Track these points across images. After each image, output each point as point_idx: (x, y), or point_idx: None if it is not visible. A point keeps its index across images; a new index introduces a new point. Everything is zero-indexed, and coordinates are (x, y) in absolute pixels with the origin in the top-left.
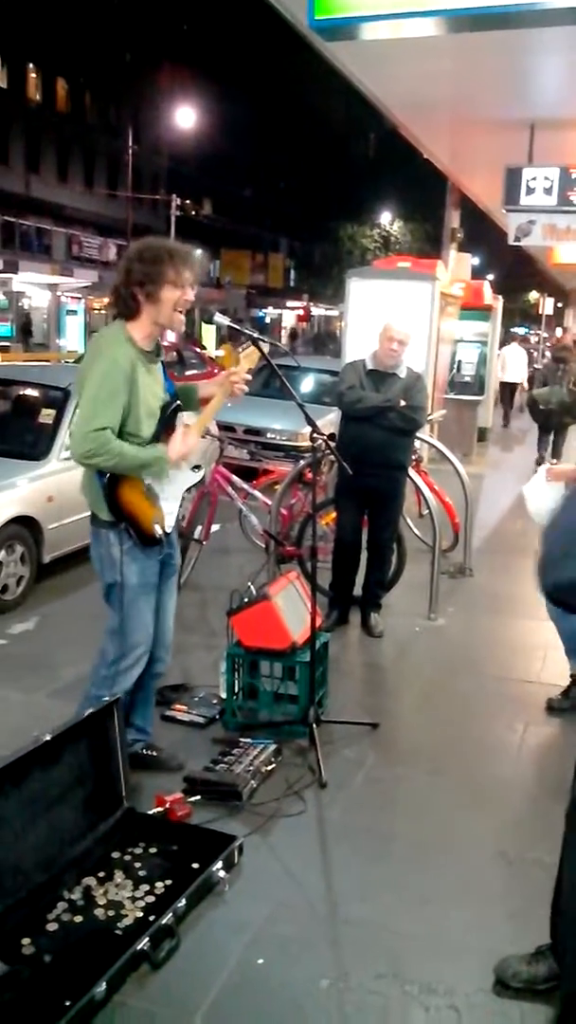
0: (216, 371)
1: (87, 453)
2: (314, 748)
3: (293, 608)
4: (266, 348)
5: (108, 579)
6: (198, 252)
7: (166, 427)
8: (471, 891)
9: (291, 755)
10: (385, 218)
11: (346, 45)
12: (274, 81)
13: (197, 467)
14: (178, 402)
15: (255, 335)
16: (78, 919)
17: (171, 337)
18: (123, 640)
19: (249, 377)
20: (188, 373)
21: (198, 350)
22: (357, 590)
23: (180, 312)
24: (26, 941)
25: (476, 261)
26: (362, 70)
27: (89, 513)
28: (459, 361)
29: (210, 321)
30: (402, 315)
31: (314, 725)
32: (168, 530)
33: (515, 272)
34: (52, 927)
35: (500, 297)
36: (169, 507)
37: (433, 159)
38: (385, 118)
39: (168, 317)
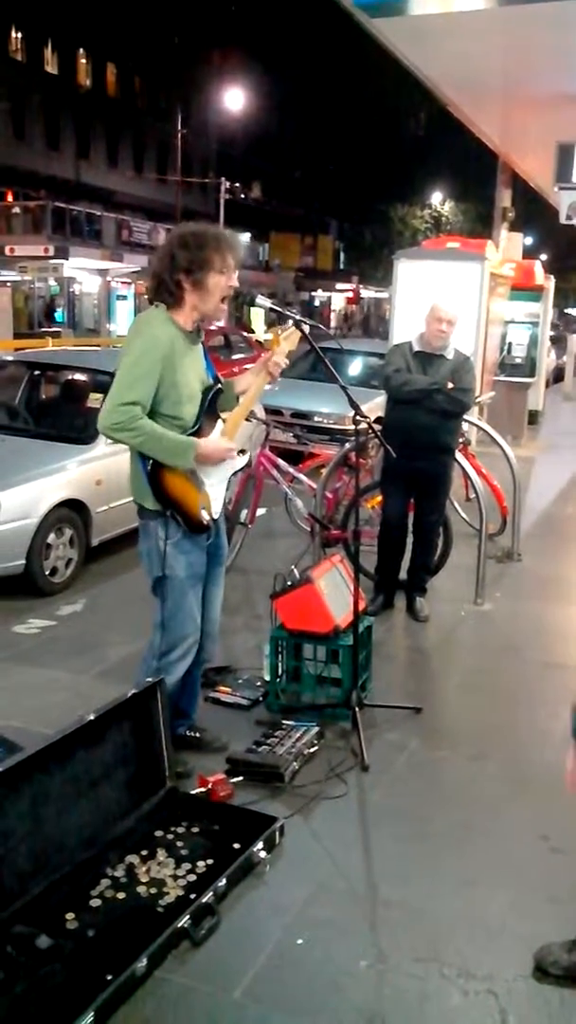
0: (263, 355)
1: (113, 425)
2: (356, 731)
3: (336, 592)
4: (306, 329)
5: (156, 573)
6: (242, 236)
7: (208, 414)
8: (512, 876)
9: (333, 738)
10: (436, 198)
11: (393, 22)
12: (323, 61)
13: (243, 451)
14: (219, 386)
15: (296, 316)
16: (121, 896)
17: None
18: (171, 633)
19: (286, 361)
20: (235, 357)
21: (245, 334)
22: (403, 574)
23: (223, 300)
24: (70, 916)
25: (528, 241)
26: (410, 48)
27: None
28: (509, 343)
29: (252, 303)
30: (450, 296)
31: (357, 708)
32: (215, 515)
33: (568, 252)
34: (95, 903)
35: (552, 277)
36: (215, 492)
37: (484, 137)
38: (435, 97)
39: (214, 305)
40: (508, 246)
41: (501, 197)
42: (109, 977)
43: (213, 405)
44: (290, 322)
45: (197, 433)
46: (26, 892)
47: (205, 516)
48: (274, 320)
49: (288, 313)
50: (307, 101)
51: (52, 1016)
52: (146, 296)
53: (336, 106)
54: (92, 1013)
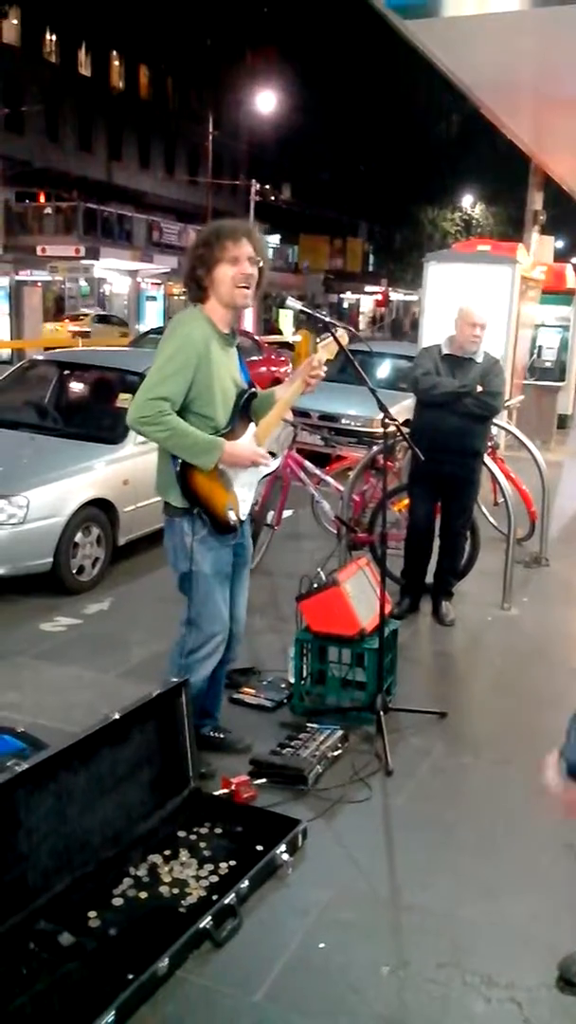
0: (272, 356)
1: (141, 419)
2: (381, 735)
3: (362, 595)
4: (343, 335)
5: (182, 569)
6: (271, 242)
7: (241, 416)
8: (536, 883)
9: (358, 742)
10: (467, 201)
11: (426, 24)
12: (354, 63)
13: (273, 454)
14: (253, 390)
15: (328, 319)
16: (143, 895)
17: (247, 308)
18: (199, 630)
19: (324, 371)
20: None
21: (256, 337)
22: (429, 578)
23: (243, 288)
24: (92, 914)
25: (560, 244)
26: (443, 50)
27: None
28: (539, 346)
29: (282, 305)
30: (481, 299)
31: (382, 712)
32: (243, 517)
33: None
34: (118, 902)
35: None
36: (244, 494)
37: (515, 140)
38: (467, 99)
39: (229, 294)
40: (539, 249)
41: (533, 200)
42: (130, 976)
43: (246, 408)
44: (328, 332)
45: (229, 435)
46: (49, 889)
47: (232, 516)
48: (303, 322)
49: (319, 316)
50: (338, 103)
51: (73, 1013)
52: (176, 297)
53: (367, 108)
54: (113, 1012)
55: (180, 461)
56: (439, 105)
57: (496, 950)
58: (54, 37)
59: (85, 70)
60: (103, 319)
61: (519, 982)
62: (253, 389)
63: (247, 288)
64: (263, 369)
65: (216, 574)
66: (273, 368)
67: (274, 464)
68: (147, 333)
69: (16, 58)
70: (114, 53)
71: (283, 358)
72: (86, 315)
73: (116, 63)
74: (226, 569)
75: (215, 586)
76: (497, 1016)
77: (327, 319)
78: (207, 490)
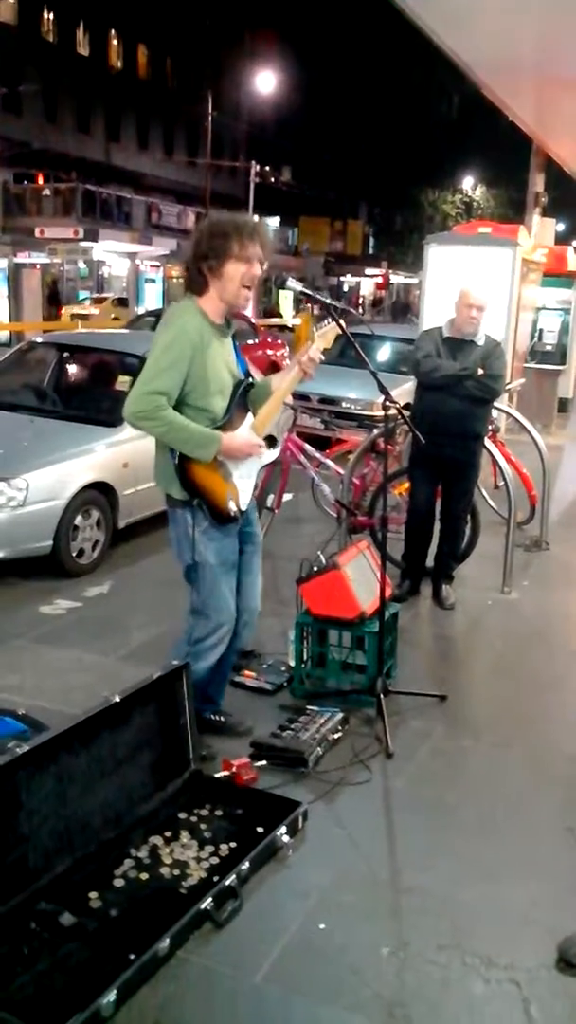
0: (268, 339)
1: (138, 413)
2: (381, 718)
3: (362, 578)
4: (342, 318)
5: (186, 560)
6: (271, 225)
7: (238, 407)
8: (536, 866)
9: (358, 724)
10: (468, 183)
11: (428, 2)
12: (355, 44)
13: (273, 441)
14: (250, 379)
15: (328, 301)
16: (144, 876)
17: (244, 309)
18: (206, 620)
19: (322, 358)
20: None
21: (252, 321)
22: (429, 561)
23: (247, 288)
24: (93, 895)
25: (561, 227)
26: (445, 29)
27: None
28: (540, 329)
29: (283, 286)
30: (481, 282)
31: (382, 695)
32: (243, 507)
33: None
34: (119, 883)
35: None
36: (244, 484)
37: (518, 121)
38: (468, 80)
39: (233, 293)
40: (540, 232)
41: (534, 182)
42: (132, 956)
43: (243, 399)
44: (327, 320)
45: (226, 426)
46: (50, 870)
47: (232, 507)
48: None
49: (319, 297)
50: (339, 85)
51: (75, 993)
52: (175, 279)
53: (368, 90)
54: (115, 991)
55: (179, 453)
56: (440, 86)
57: (496, 932)
58: (52, 16)
59: (83, 50)
60: (122, 302)
61: (519, 963)
62: (250, 379)
63: (250, 289)
64: (259, 352)
65: (221, 564)
66: (270, 351)
67: (274, 453)
68: (142, 316)
69: (13, 37)
70: (112, 32)
71: (280, 341)
72: (107, 298)
73: (115, 43)
74: (232, 558)
75: (221, 576)
76: (496, 997)
77: (327, 300)
78: (207, 481)
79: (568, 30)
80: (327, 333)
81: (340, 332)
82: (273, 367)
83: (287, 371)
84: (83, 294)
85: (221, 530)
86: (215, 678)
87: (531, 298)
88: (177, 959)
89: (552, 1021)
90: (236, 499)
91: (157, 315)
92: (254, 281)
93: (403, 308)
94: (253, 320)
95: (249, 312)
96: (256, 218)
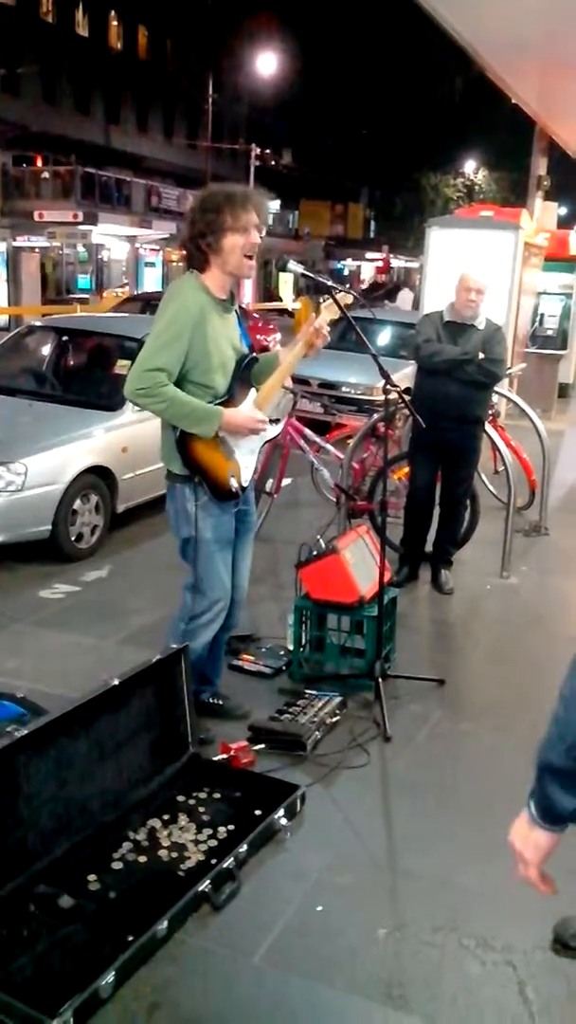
0: (259, 324)
1: (138, 390)
2: (379, 702)
3: (361, 562)
4: (347, 298)
5: (183, 534)
6: (264, 194)
7: (241, 383)
8: None
9: (356, 708)
10: (469, 167)
11: None
12: (357, 26)
13: (275, 420)
14: (254, 355)
15: (330, 283)
16: (142, 859)
17: (248, 278)
18: (201, 596)
19: (328, 330)
20: None
21: (242, 304)
22: (429, 546)
23: (249, 257)
24: (92, 877)
25: (563, 211)
26: (448, 9)
27: (161, 465)
28: (542, 314)
29: (284, 269)
30: (483, 266)
31: (380, 679)
32: (244, 484)
33: None
34: (117, 865)
35: None
36: (245, 461)
37: (521, 103)
38: (472, 61)
39: (236, 264)
40: (543, 216)
41: (537, 165)
42: (130, 938)
43: (246, 374)
44: (329, 295)
45: (228, 402)
46: (49, 853)
47: (234, 484)
48: (303, 288)
49: (321, 280)
50: (340, 67)
51: (74, 974)
52: (175, 263)
53: (369, 72)
54: (113, 972)
55: (179, 430)
56: (442, 69)
57: (492, 914)
58: None
59: (83, 31)
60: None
61: (514, 945)
62: (253, 354)
63: (252, 258)
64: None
65: (218, 540)
66: (260, 336)
67: (275, 430)
68: (128, 299)
69: (12, 18)
70: (112, 14)
71: (271, 325)
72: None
73: (114, 24)
74: (228, 536)
75: (216, 552)
76: (492, 978)
77: (328, 282)
78: (208, 458)
79: (573, 11)
80: (331, 306)
81: (345, 305)
82: (262, 351)
83: (292, 345)
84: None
85: (220, 506)
86: (211, 657)
87: (532, 282)
88: (175, 941)
89: (547, 1002)
90: (238, 476)
91: (145, 299)
92: (255, 249)
93: (393, 290)
94: (245, 303)
95: (248, 293)
96: (248, 186)
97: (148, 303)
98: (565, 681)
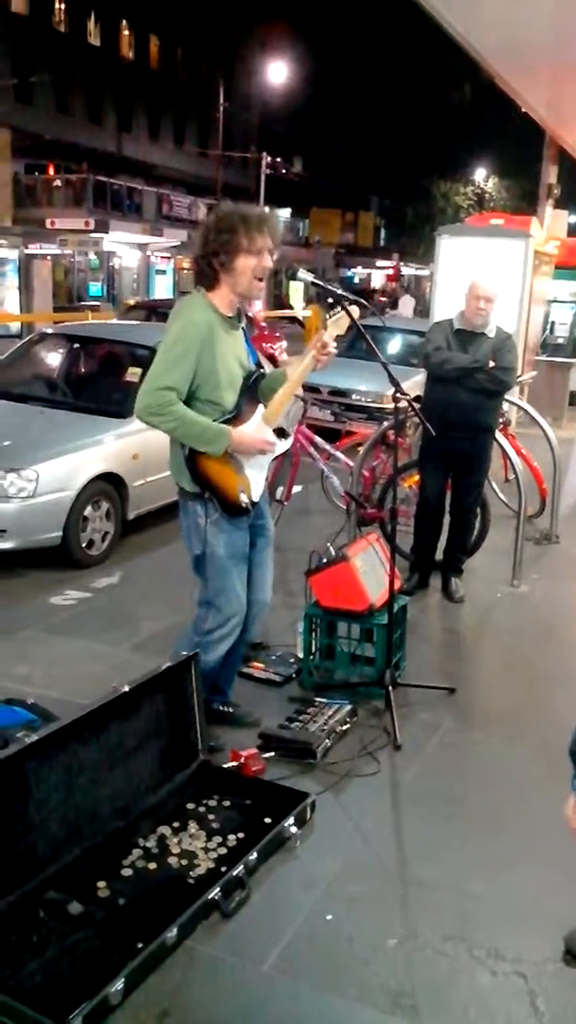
0: (265, 332)
1: (147, 409)
2: (389, 710)
3: (372, 570)
4: (355, 310)
5: (196, 551)
6: (279, 215)
7: (249, 399)
8: (544, 859)
9: (366, 716)
10: (480, 175)
11: None
12: (367, 35)
13: (285, 434)
14: (261, 370)
15: (340, 292)
16: (152, 866)
17: (257, 300)
18: (216, 612)
19: (335, 345)
20: None
21: (249, 314)
22: (439, 554)
23: (260, 280)
24: (101, 884)
25: (574, 219)
26: (457, 18)
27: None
28: (552, 322)
29: (294, 277)
30: (493, 274)
31: (390, 687)
32: (255, 499)
33: None
34: (127, 872)
35: None
36: (255, 476)
37: (530, 111)
38: (481, 70)
39: (247, 286)
40: (553, 224)
41: (547, 173)
42: (140, 945)
43: (254, 390)
44: (339, 308)
45: (237, 418)
46: (59, 859)
47: (244, 499)
48: (313, 297)
49: (330, 288)
50: (350, 76)
51: (83, 981)
52: (185, 271)
53: (379, 81)
54: (123, 979)
55: (189, 447)
56: (452, 77)
57: (503, 924)
58: (63, 6)
59: (95, 40)
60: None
61: (525, 955)
62: (261, 370)
63: (263, 280)
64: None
65: (231, 556)
66: (266, 344)
67: (286, 444)
68: (133, 307)
69: (24, 28)
70: (124, 23)
71: (278, 334)
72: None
73: (126, 33)
74: (242, 551)
75: (231, 568)
76: (503, 989)
77: (339, 291)
78: (217, 474)
79: None
80: (339, 320)
81: (352, 320)
82: (270, 360)
83: (300, 359)
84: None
85: (232, 522)
86: (224, 669)
87: (543, 291)
88: (185, 948)
89: (558, 1013)
90: (248, 491)
91: (149, 306)
92: (266, 272)
93: (393, 302)
94: (254, 312)
95: (259, 303)
96: (264, 207)
97: (153, 311)
98: None
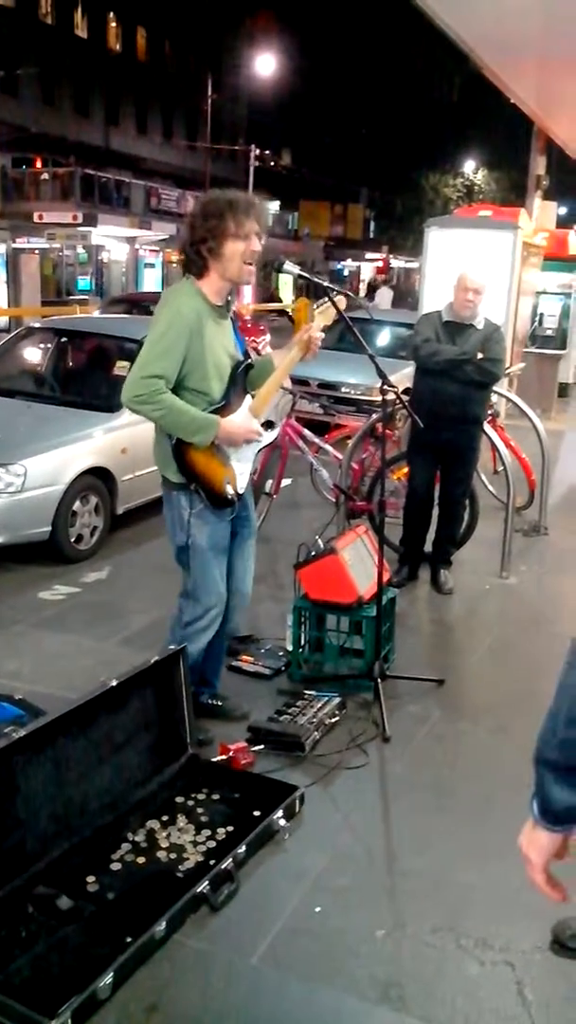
0: (248, 326)
1: (135, 398)
2: (378, 702)
3: (360, 562)
4: (343, 301)
5: (179, 542)
6: (265, 201)
7: (237, 389)
8: None
9: (355, 709)
10: (469, 167)
11: None
12: (355, 26)
13: (271, 425)
14: (249, 361)
15: (326, 284)
16: (141, 860)
17: (248, 284)
18: (196, 603)
19: (322, 335)
20: None
21: (234, 307)
22: (428, 546)
23: (250, 264)
24: (91, 879)
25: (563, 211)
26: (445, 8)
27: None
28: (541, 314)
29: (280, 270)
30: (481, 265)
31: (379, 679)
32: (241, 491)
33: None
34: (116, 867)
35: None
36: (241, 468)
37: (519, 102)
38: (469, 62)
39: (236, 271)
40: (541, 215)
41: (535, 165)
42: (128, 939)
43: (242, 380)
44: (325, 297)
45: (225, 408)
46: (48, 854)
47: (230, 491)
48: (302, 288)
49: (316, 280)
50: (339, 68)
51: (72, 975)
52: (174, 264)
53: (368, 73)
54: (112, 973)
55: (176, 437)
56: (441, 69)
57: (491, 914)
58: None
59: (82, 32)
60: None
61: (513, 945)
62: (249, 360)
63: (252, 264)
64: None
65: (212, 548)
66: (249, 338)
67: (272, 435)
68: (113, 300)
69: (11, 20)
70: (111, 15)
71: (262, 327)
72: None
73: (113, 25)
74: (223, 543)
75: (211, 560)
76: (491, 978)
77: (325, 283)
78: (204, 466)
79: (570, 9)
80: (327, 311)
81: (337, 311)
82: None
83: (287, 350)
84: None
85: (215, 514)
86: (209, 661)
87: (531, 282)
88: (174, 942)
89: (546, 1003)
90: (234, 483)
91: (131, 300)
92: (255, 256)
93: (369, 293)
94: (239, 305)
95: (249, 294)
96: (249, 193)
97: (135, 305)
98: (560, 676)
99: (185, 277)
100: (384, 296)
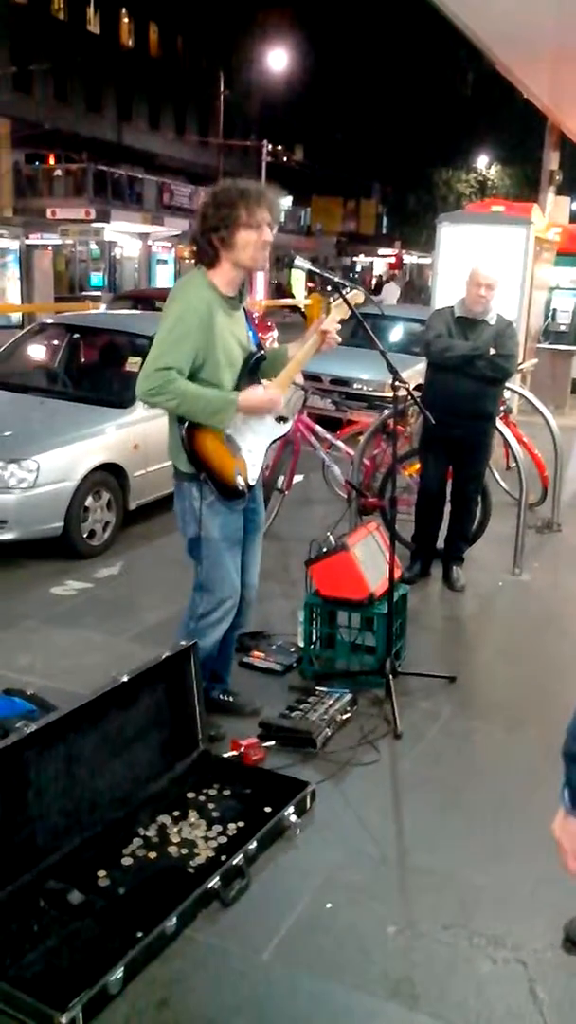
0: (256, 323)
1: (150, 391)
2: (390, 699)
3: (372, 559)
4: (359, 296)
5: (190, 533)
6: (276, 191)
7: (249, 380)
8: (544, 847)
9: (367, 705)
10: (482, 162)
11: None
12: (368, 21)
13: (284, 419)
14: (261, 352)
15: (336, 279)
16: (152, 855)
17: (261, 270)
18: (209, 595)
19: (338, 327)
20: None
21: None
22: (440, 543)
23: (263, 252)
24: (102, 873)
25: (575, 206)
26: (458, 3)
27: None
28: (554, 309)
29: (291, 266)
30: (494, 261)
31: (391, 676)
32: (251, 482)
33: None
34: (127, 861)
35: None
36: (253, 459)
37: (532, 97)
38: (483, 57)
39: (251, 259)
40: (555, 210)
41: (549, 160)
42: (139, 934)
43: (254, 371)
44: (337, 293)
45: None
46: (59, 849)
47: (240, 482)
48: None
49: (328, 275)
50: (352, 63)
51: (83, 969)
52: (187, 260)
53: (382, 68)
54: (122, 968)
55: (185, 426)
56: (454, 64)
57: (503, 912)
58: None
59: (94, 28)
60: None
61: (525, 943)
62: (262, 351)
63: (265, 252)
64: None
65: (225, 539)
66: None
67: (285, 428)
68: (119, 296)
69: (24, 16)
70: (123, 11)
71: (269, 324)
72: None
73: (125, 21)
74: (236, 534)
75: (224, 551)
76: (503, 976)
77: (337, 279)
78: (214, 455)
79: None
80: (342, 305)
81: (349, 307)
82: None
83: (303, 340)
84: None
85: (227, 505)
86: (221, 655)
87: (544, 278)
88: (184, 937)
89: (558, 1001)
90: (244, 474)
91: (135, 296)
92: (267, 246)
93: (376, 289)
94: (258, 299)
95: (260, 290)
96: (262, 183)
97: (139, 300)
98: None
99: (197, 268)
100: (391, 292)
